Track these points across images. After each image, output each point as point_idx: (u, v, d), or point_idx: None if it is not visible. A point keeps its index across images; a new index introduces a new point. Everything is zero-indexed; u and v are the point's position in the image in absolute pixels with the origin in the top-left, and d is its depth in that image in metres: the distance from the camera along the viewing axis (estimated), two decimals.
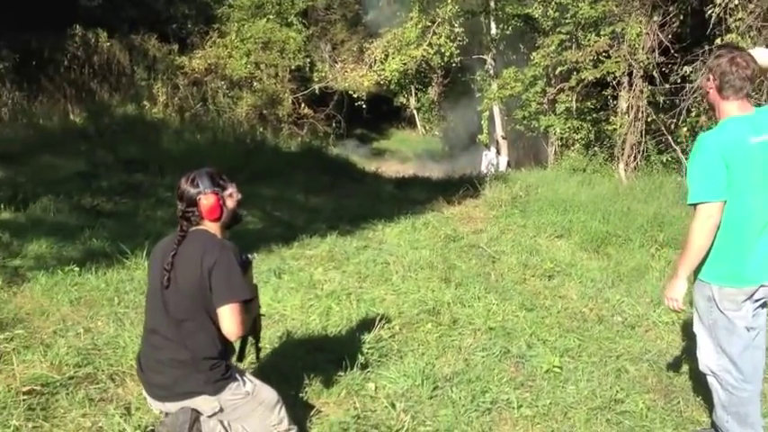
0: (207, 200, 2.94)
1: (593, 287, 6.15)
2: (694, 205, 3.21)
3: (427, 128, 28.34)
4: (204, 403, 2.97)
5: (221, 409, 3.00)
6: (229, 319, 2.87)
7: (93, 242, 6.51)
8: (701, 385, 3.98)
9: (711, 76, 3.26)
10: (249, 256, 3.14)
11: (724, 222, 3.20)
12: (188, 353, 2.93)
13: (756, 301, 3.32)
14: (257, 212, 8.80)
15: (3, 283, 5.27)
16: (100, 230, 7.03)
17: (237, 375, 3.09)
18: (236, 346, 3.20)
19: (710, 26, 8.44)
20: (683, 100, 10.22)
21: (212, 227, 3.00)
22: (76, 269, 5.61)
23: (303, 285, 5.82)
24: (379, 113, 27.26)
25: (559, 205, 9.22)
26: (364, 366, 4.27)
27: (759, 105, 4.30)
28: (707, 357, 3.43)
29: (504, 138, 18.84)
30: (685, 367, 4.50)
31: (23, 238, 6.48)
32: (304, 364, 4.27)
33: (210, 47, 19.62)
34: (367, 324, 4.93)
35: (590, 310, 5.60)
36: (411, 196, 10.65)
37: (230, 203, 3.04)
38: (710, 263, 3.28)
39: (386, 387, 4.10)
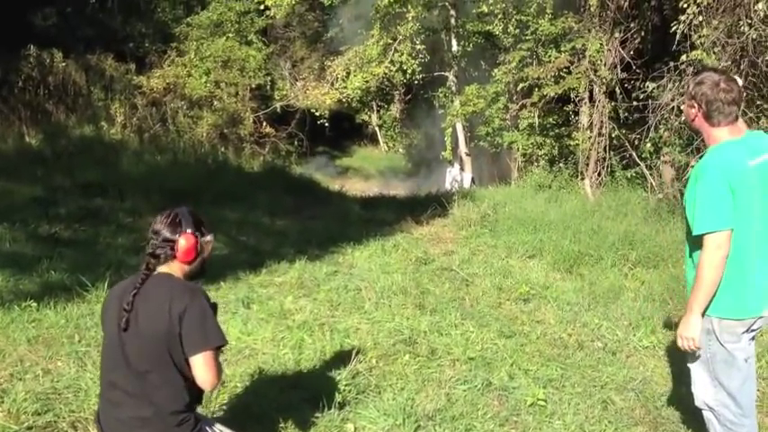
0: (186, 240, 2.76)
1: (570, 310, 6.06)
2: (701, 236, 3.05)
3: (390, 145, 28.27)
4: None
5: None
6: (205, 368, 2.65)
7: (52, 274, 6.21)
8: (690, 416, 3.88)
9: (696, 104, 3.15)
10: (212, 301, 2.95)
11: (732, 252, 3.06)
12: (152, 408, 2.68)
13: (752, 331, 3.21)
14: (222, 237, 8.52)
15: None
16: (58, 261, 6.72)
17: (207, 427, 2.88)
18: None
19: (675, 42, 8.45)
20: (647, 116, 10.25)
21: (178, 270, 2.79)
22: (34, 305, 5.32)
23: (273, 316, 5.61)
24: (341, 131, 27.10)
25: (529, 224, 9.15)
26: (342, 405, 4.08)
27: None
28: (703, 392, 3.28)
29: (467, 154, 18.82)
30: (672, 397, 4.40)
31: None
32: (278, 405, 4.07)
33: (169, 66, 19.31)
34: (342, 357, 4.74)
35: (569, 335, 5.49)
36: (378, 217, 10.48)
37: (206, 252, 2.87)
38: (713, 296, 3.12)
39: (365, 428, 3.91)
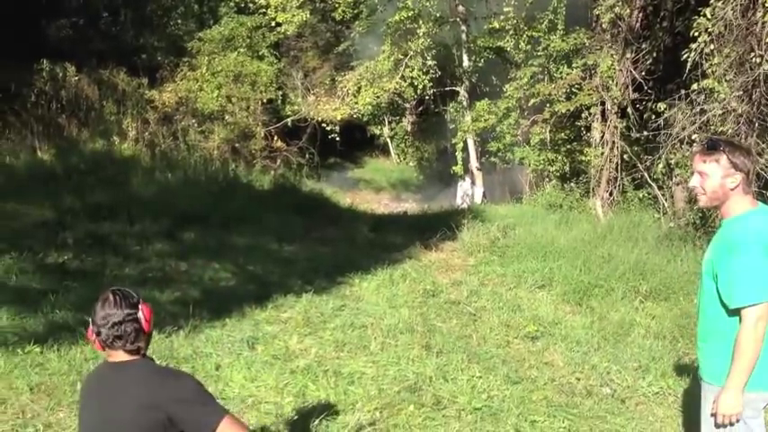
0: (147, 308, 2.71)
1: (579, 351, 5.98)
2: (739, 309, 2.95)
3: (401, 157, 28.21)
4: None
5: None
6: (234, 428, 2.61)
7: (57, 313, 6.19)
8: None
9: (740, 172, 3.04)
10: None
11: None
12: None
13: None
14: (229, 266, 8.53)
15: None
16: (65, 295, 6.72)
17: None
18: None
19: (687, 71, 8.37)
20: (659, 137, 10.16)
21: (143, 346, 2.72)
22: (37, 349, 5.31)
23: (278, 358, 5.56)
24: (352, 141, 27.08)
25: (539, 251, 9.09)
26: None
27: None
28: None
29: (478, 169, 18.74)
30: None
31: None
32: None
33: (181, 80, 19.34)
34: (345, 407, 4.69)
35: (577, 379, 5.41)
36: (387, 241, 10.46)
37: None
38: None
39: None
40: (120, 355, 2.67)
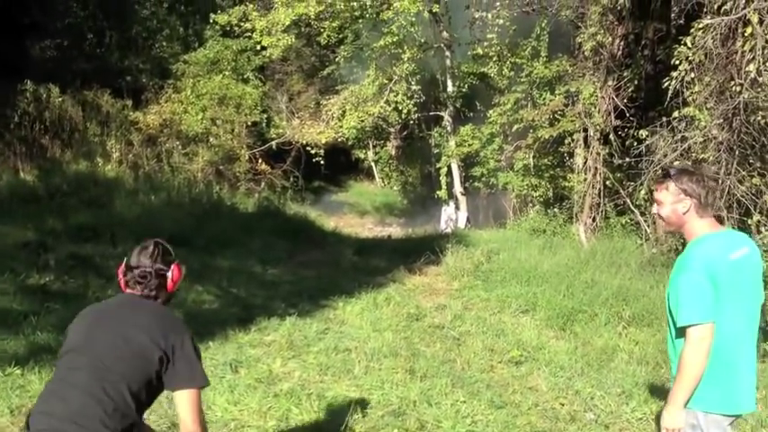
0: (178, 271, 2.96)
1: (563, 376, 5.98)
2: (684, 328, 3.02)
3: (385, 181, 28.30)
4: None
5: None
6: (190, 406, 2.78)
7: (38, 335, 6.12)
8: None
9: (689, 198, 3.11)
10: None
11: (713, 345, 3.01)
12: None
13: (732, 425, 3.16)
14: (213, 288, 8.49)
15: None
16: (46, 317, 6.65)
17: None
18: None
19: (668, 99, 8.47)
20: (641, 163, 10.25)
21: (161, 300, 2.96)
22: (18, 371, 5.25)
23: (261, 382, 5.52)
24: (337, 165, 27.18)
25: (522, 275, 9.13)
26: None
27: None
28: None
29: (462, 193, 18.84)
30: None
31: None
32: None
33: (165, 102, 19.33)
34: (329, 431, 4.66)
35: (561, 405, 5.40)
36: (372, 265, 10.45)
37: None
38: (698, 388, 3.05)
39: None
40: (136, 293, 2.91)
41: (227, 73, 20.46)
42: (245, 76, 21.00)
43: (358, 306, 7.84)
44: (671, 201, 3.15)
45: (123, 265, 2.94)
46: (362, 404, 5.18)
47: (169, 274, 2.92)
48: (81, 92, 18.20)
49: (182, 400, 2.78)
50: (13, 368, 5.30)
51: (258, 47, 18.04)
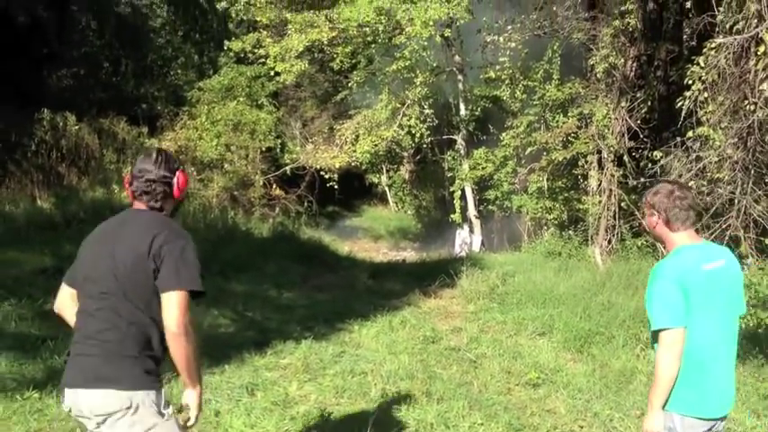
0: (183, 176, 2.97)
1: (581, 398, 5.92)
2: (657, 332, 3.19)
3: (399, 205, 28.31)
4: None
5: None
6: (171, 308, 2.74)
7: (56, 359, 6.14)
8: None
9: (656, 213, 3.34)
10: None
11: (687, 350, 3.17)
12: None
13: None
14: (228, 312, 8.51)
15: None
16: (64, 342, 6.67)
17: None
18: None
19: (681, 119, 8.46)
20: (656, 185, 10.21)
21: (167, 208, 2.99)
22: (36, 395, 5.26)
23: (278, 405, 5.50)
24: (351, 190, 27.23)
25: (538, 298, 9.09)
26: None
27: None
28: None
29: (477, 217, 18.80)
30: None
31: None
32: None
33: (181, 129, 19.50)
34: None
35: (580, 427, 5.36)
36: (386, 288, 10.44)
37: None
38: (674, 391, 3.19)
39: None
40: (142, 207, 2.93)
41: (241, 99, 20.63)
42: (259, 102, 21.16)
43: (373, 329, 7.83)
44: (647, 214, 3.44)
45: (129, 174, 2.96)
46: (379, 426, 5.15)
47: (174, 181, 2.93)
48: (97, 120, 18.43)
49: (165, 303, 2.74)
50: (31, 392, 5.32)
51: (272, 73, 18.14)
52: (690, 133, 8.43)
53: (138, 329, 2.79)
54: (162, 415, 2.84)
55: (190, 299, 2.78)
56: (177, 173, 2.94)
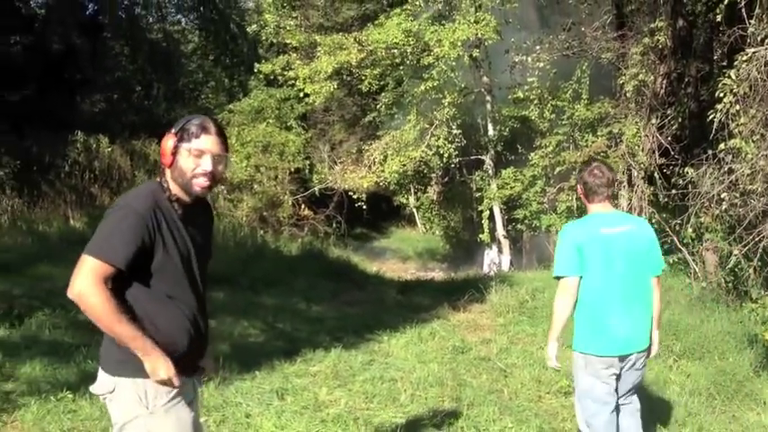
0: (164, 140, 2.66)
1: None
2: (558, 279, 4.00)
3: (427, 226, 28.31)
4: None
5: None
6: (77, 270, 2.48)
7: (89, 363, 6.21)
8: None
9: (580, 186, 4.13)
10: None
11: (584, 297, 3.95)
12: None
13: (613, 368, 4.01)
14: (258, 323, 8.55)
15: None
16: (96, 348, 6.73)
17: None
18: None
19: (713, 131, 8.41)
20: (688, 202, 10.13)
21: (169, 178, 2.70)
22: (70, 396, 5.32)
23: (308, 408, 5.50)
24: (378, 212, 27.32)
25: None
26: None
27: None
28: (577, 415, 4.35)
29: (505, 237, 18.74)
30: None
31: (17, 358, 6.22)
32: None
33: None
34: None
35: None
36: (415, 302, 10.43)
37: (182, 159, 2.65)
38: (575, 334, 4.09)
39: None
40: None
41: (270, 121, 20.92)
42: (288, 124, 21.43)
43: (403, 340, 7.81)
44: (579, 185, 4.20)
45: None
46: (410, 429, 5.14)
47: (162, 144, 2.67)
48: (129, 142, 18.78)
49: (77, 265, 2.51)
50: (64, 393, 5.38)
51: (301, 94, 18.39)
52: (722, 146, 8.37)
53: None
54: (147, 407, 2.65)
55: (99, 266, 2.48)
56: (166, 136, 2.67)
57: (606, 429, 4.08)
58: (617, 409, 4.17)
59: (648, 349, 4.11)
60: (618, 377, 4.05)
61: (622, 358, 3.96)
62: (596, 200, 4.02)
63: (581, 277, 3.89)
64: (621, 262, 3.93)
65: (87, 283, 2.46)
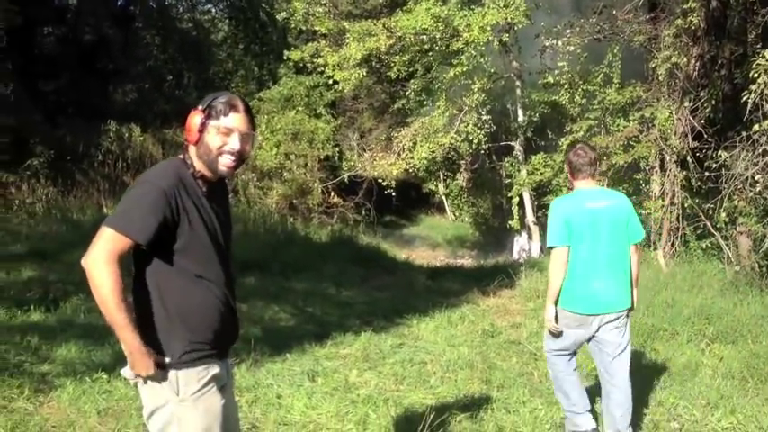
0: (191, 117, 2.61)
1: (645, 388, 5.81)
2: (551, 248, 4.41)
3: (457, 214, 28.23)
4: None
5: None
6: (95, 240, 2.49)
7: None
8: None
9: (566, 164, 4.57)
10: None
11: (572, 264, 4.36)
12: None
13: (582, 331, 4.49)
14: (289, 308, 8.63)
15: (30, 392, 5.09)
16: None
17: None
18: None
19: (747, 112, 8.28)
20: (721, 185, 9.99)
21: (193, 155, 2.66)
22: (105, 376, 5.42)
23: (338, 390, 5.56)
24: (408, 200, 27.29)
25: None
26: None
27: None
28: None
29: (535, 223, 18.62)
30: None
31: (53, 341, 6.35)
32: None
33: None
34: None
35: (643, 414, 5.26)
36: (445, 287, 10.44)
37: (209, 137, 2.61)
38: (562, 294, 4.42)
39: None
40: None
41: (300, 108, 20.96)
42: (317, 112, 21.46)
43: (432, 324, 7.85)
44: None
45: None
46: (440, 410, 5.14)
47: (189, 117, 2.62)
48: (161, 130, 18.94)
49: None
50: (99, 374, 5.48)
51: (330, 81, 18.39)
52: (756, 127, 8.25)
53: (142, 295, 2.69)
54: (177, 394, 2.62)
55: (116, 238, 2.49)
56: (192, 112, 2.63)
57: (566, 367, 4.71)
58: (607, 396, 4.70)
59: (630, 308, 4.60)
60: (596, 341, 4.56)
61: (599, 317, 4.40)
62: (580, 177, 4.44)
63: (569, 246, 4.33)
64: (605, 233, 4.36)
65: (101, 254, 2.48)
